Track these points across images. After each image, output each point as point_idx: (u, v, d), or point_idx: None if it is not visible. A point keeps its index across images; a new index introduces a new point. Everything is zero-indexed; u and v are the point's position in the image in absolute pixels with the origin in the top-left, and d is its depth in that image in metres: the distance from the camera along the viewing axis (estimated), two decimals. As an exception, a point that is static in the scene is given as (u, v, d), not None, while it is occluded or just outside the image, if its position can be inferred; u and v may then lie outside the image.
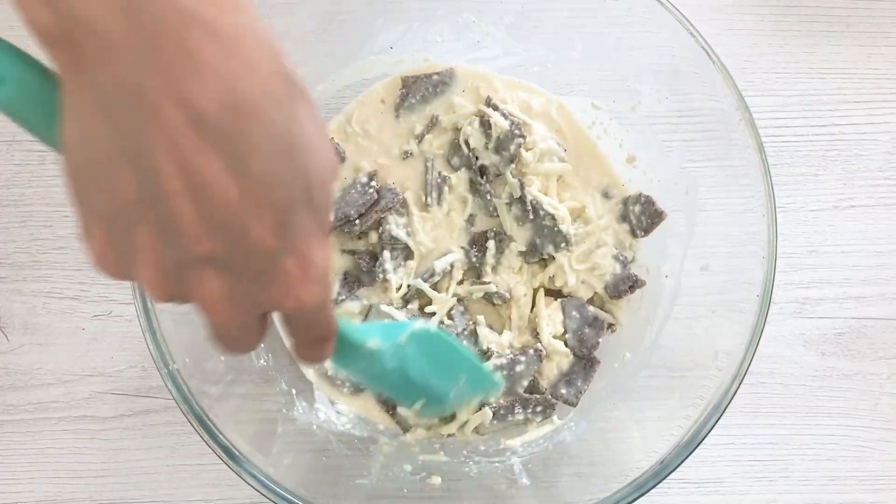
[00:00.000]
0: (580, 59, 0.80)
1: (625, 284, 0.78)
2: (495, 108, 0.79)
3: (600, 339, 0.78)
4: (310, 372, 0.78)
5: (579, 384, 0.78)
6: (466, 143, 0.78)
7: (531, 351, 0.76)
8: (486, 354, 0.76)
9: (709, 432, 0.66)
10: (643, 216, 0.78)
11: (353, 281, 0.79)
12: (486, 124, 0.78)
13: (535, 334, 0.78)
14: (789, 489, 0.82)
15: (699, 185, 0.76)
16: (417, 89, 0.81)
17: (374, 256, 0.78)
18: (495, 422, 0.77)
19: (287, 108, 0.39)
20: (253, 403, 0.75)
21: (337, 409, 0.78)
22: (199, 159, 0.36)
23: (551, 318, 0.78)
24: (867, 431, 0.83)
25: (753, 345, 0.67)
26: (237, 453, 0.64)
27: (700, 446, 0.65)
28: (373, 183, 0.78)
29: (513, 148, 0.77)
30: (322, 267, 0.43)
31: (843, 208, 0.87)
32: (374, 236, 0.79)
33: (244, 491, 0.79)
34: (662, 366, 0.75)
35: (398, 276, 0.77)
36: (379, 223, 0.78)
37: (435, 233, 0.79)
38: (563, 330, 0.78)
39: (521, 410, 0.77)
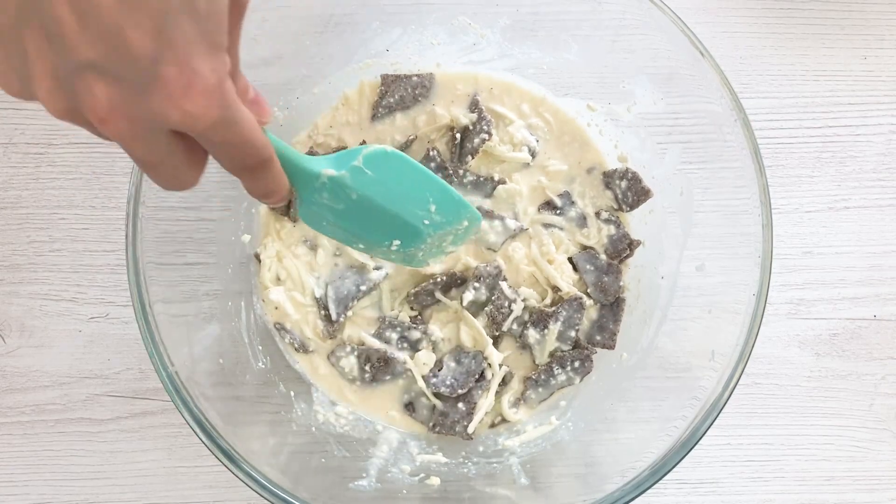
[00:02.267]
0: (575, 61, 0.81)
1: (622, 243, 0.80)
2: (476, 104, 0.81)
3: (622, 283, 0.80)
4: (321, 372, 0.79)
5: (611, 326, 0.80)
6: (436, 150, 0.81)
7: (573, 301, 0.78)
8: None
9: (705, 433, 0.66)
10: (629, 192, 0.80)
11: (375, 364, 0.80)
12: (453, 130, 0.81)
13: (556, 290, 0.80)
14: (785, 489, 0.82)
15: (694, 187, 0.76)
16: (396, 89, 0.81)
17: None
18: (541, 389, 0.79)
19: None
20: (251, 406, 0.75)
21: (335, 411, 0.78)
22: None
23: (560, 269, 0.80)
24: (862, 431, 0.83)
25: (749, 346, 0.67)
26: (236, 455, 0.64)
27: (696, 447, 0.66)
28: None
29: (476, 142, 0.80)
30: (211, 80, 0.42)
31: (837, 209, 0.87)
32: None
33: (242, 493, 0.79)
34: (659, 366, 0.76)
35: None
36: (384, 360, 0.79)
37: None
38: (578, 278, 0.81)
39: (560, 370, 0.79)
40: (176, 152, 0.46)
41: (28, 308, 0.82)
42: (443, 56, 0.82)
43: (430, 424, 0.78)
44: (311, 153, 0.81)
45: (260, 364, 0.76)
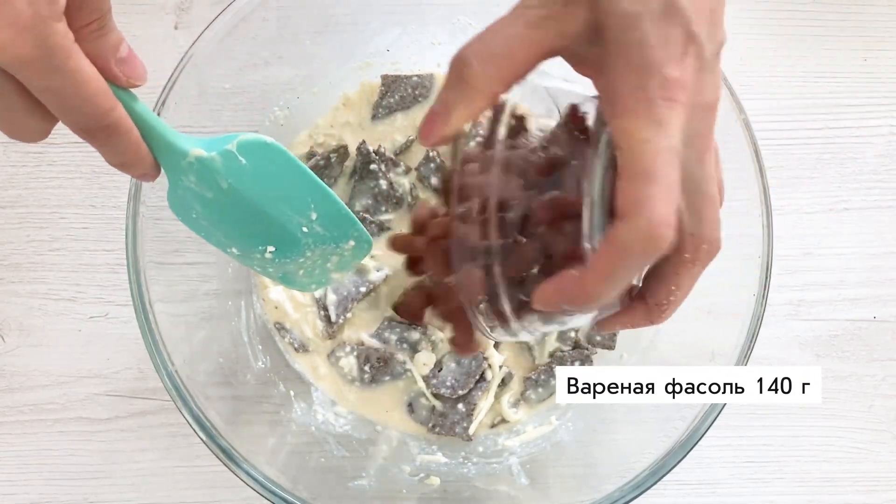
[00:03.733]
0: (576, 61, 0.80)
1: None
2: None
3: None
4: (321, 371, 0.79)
5: None
6: (437, 151, 0.80)
7: None
8: None
9: (705, 433, 0.66)
10: None
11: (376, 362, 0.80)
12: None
13: None
14: (784, 490, 0.82)
15: (695, 188, 0.76)
16: (397, 89, 0.81)
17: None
18: (540, 390, 0.79)
19: None
20: (251, 405, 0.75)
21: (335, 411, 0.78)
22: None
23: None
24: (861, 433, 0.83)
25: (749, 347, 0.67)
26: (235, 454, 0.64)
27: (696, 447, 0.66)
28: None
29: None
30: (25, 13, 0.39)
31: (837, 211, 0.87)
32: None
33: (241, 493, 0.79)
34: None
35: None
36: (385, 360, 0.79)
37: None
38: None
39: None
40: (5, 93, 0.43)
41: (27, 307, 0.82)
42: (443, 56, 0.82)
43: (430, 425, 0.78)
44: (311, 153, 0.80)
45: (260, 364, 0.76)
